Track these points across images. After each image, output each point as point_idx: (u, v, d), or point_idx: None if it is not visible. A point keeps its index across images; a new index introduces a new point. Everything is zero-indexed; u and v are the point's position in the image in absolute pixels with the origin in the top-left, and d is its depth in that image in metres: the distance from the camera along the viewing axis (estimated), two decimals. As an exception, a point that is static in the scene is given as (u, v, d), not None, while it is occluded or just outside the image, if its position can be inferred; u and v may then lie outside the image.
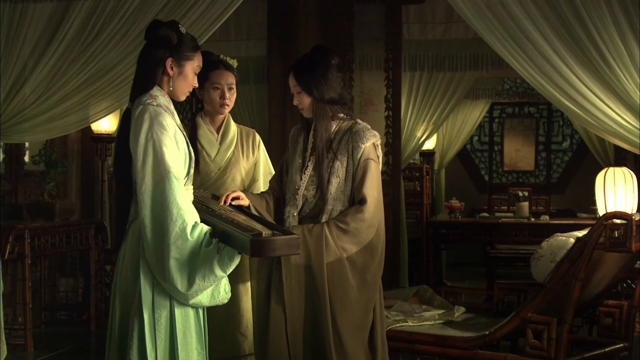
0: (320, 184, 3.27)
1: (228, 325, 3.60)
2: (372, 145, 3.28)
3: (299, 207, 3.31)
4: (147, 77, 2.86)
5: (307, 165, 3.34)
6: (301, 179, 3.32)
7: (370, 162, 3.25)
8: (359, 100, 6.71)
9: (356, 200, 3.23)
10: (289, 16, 6.43)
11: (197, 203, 3.03)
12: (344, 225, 3.18)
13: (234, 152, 3.77)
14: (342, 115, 3.34)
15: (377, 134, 3.32)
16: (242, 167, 3.78)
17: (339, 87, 3.32)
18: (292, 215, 3.33)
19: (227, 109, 3.75)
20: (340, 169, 3.26)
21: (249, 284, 3.66)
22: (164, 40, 2.84)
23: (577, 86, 4.34)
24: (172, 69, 2.87)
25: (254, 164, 3.84)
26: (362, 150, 3.24)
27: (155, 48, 2.85)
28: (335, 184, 3.25)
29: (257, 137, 3.89)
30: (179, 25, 2.90)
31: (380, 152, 3.33)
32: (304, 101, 3.30)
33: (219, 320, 3.53)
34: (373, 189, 3.23)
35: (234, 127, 3.83)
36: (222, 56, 3.78)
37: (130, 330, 2.75)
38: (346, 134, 3.30)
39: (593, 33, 4.22)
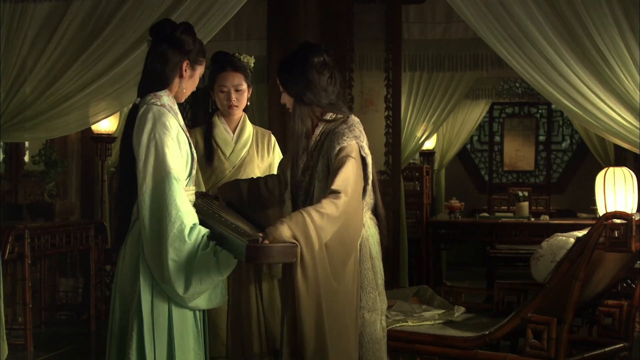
0: (297, 189, 3.21)
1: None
2: (355, 144, 3.13)
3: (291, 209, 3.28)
4: (162, 77, 2.88)
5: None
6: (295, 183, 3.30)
7: (348, 159, 3.08)
8: (359, 100, 6.71)
9: (327, 193, 3.04)
10: (289, 16, 6.43)
11: (202, 204, 3.04)
12: (320, 207, 2.98)
13: (248, 151, 3.79)
14: (330, 116, 3.22)
15: (361, 134, 3.17)
16: (257, 167, 3.79)
17: (322, 87, 3.19)
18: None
19: (237, 110, 3.75)
20: (321, 171, 3.17)
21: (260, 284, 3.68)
22: (183, 43, 2.87)
23: (577, 86, 4.34)
24: (185, 71, 2.90)
25: (269, 165, 3.85)
26: (337, 149, 3.10)
27: (172, 49, 2.87)
28: (318, 188, 3.16)
29: (273, 138, 3.90)
30: (193, 29, 2.94)
31: (367, 152, 3.17)
32: (286, 100, 3.25)
33: (228, 319, 3.59)
34: (347, 185, 3.04)
35: (249, 128, 3.84)
36: (236, 54, 3.76)
37: (130, 330, 2.76)
38: (329, 135, 3.18)
39: (593, 32, 4.22)
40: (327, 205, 2.99)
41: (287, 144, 3.28)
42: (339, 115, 3.24)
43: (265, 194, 3.50)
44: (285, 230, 2.85)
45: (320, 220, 2.95)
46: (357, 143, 3.14)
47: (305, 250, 2.89)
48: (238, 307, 3.58)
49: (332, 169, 3.10)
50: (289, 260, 2.78)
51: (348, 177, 3.06)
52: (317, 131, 3.24)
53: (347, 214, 3.04)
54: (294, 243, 2.79)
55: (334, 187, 3.03)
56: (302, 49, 3.25)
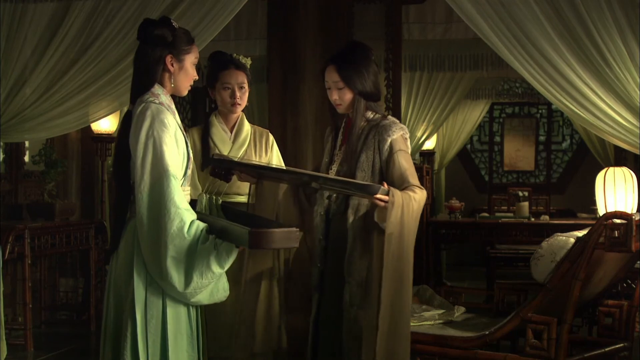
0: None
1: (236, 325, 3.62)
2: (400, 137, 3.25)
3: (325, 205, 3.31)
4: (147, 77, 2.85)
5: (334, 161, 3.34)
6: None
7: (402, 153, 3.22)
8: (359, 100, 6.68)
9: (410, 187, 3.17)
10: (289, 16, 6.43)
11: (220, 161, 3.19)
12: (414, 194, 3.13)
13: (246, 151, 3.79)
14: (371, 114, 3.31)
15: (404, 127, 3.30)
16: None
17: (378, 82, 3.31)
18: (319, 214, 3.33)
19: (239, 108, 3.77)
20: (365, 162, 3.23)
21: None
22: (160, 38, 2.84)
23: (577, 86, 4.34)
24: (172, 65, 2.87)
25: (266, 164, 3.85)
26: (388, 142, 3.21)
27: (152, 47, 2.84)
28: (361, 177, 3.21)
29: (271, 137, 3.91)
30: (172, 21, 2.89)
31: (408, 145, 3.30)
32: (345, 96, 3.26)
33: (229, 319, 3.59)
34: (416, 178, 3.21)
35: (247, 127, 3.85)
36: (234, 55, 3.78)
37: (124, 329, 2.75)
38: (373, 129, 3.26)
39: (593, 33, 4.22)
40: (420, 195, 3.14)
41: (351, 138, 3.29)
42: (378, 115, 3.33)
43: (302, 199, 3.48)
44: (398, 195, 3.03)
45: (416, 205, 3.11)
46: (402, 136, 3.26)
47: (405, 230, 3.06)
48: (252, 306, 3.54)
49: (394, 163, 3.20)
50: (292, 245, 2.76)
51: (412, 171, 3.23)
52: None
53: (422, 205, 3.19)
54: (296, 229, 2.77)
55: (415, 182, 3.17)
56: (357, 46, 3.34)
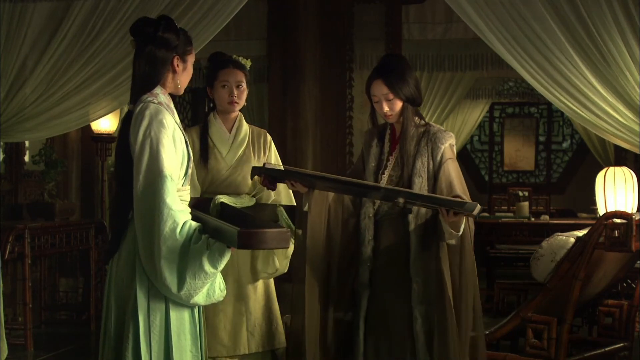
0: (407, 185, 3.32)
1: (237, 324, 3.64)
2: (449, 146, 3.36)
3: (376, 208, 3.37)
4: (150, 77, 2.84)
5: (387, 165, 3.41)
6: (378, 182, 3.36)
7: (451, 162, 3.34)
8: (358, 100, 6.71)
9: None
10: (289, 16, 6.45)
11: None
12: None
13: (245, 150, 3.79)
14: (417, 118, 3.42)
15: (452, 135, 3.42)
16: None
17: (419, 86, 3.43)
18: (367, 216, 3.38)
19: (237, 107, 3.77)
20: (422, 169, 3.34)
21: (257, 283, 3.70)
22: (168, 41, 2.84)
23: (577, 85, 4.34)
24: (178, 66, 2.88)
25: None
26: (442, 150, 3.33)
27: (159, 49, 2.84)
28: (419, 183, 3.31)
29: (268, 137, 3.91)
30: (174, 22, 2.90)
31: (454, 151, 3.41)
32: (395, 107, 3.36)
33: (229, 319, 3.61)
34: (464, 187, 3.33)
35: (245, 127, 3.85)
36: (234, 56, 3.80)
37: (126, 332, 2.73)
38: (424, 136, 3.38)
39: (593, 31, 4.22)
40: None
41: (401, 145, 3.40)
42: (422, 121, 3.44)
43: (347, 203, 3.52)
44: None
45: None
46: (450, 144, 3.38)
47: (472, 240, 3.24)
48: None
49: (444, 171, 3.32)
50: (283, 246, 2.73)
51: (461, 179, 3.35)
52: None
53: None
54: (287, 229, 2.76)
55: (460, 193, 3.27)
56: (394, 56, 3.54)
